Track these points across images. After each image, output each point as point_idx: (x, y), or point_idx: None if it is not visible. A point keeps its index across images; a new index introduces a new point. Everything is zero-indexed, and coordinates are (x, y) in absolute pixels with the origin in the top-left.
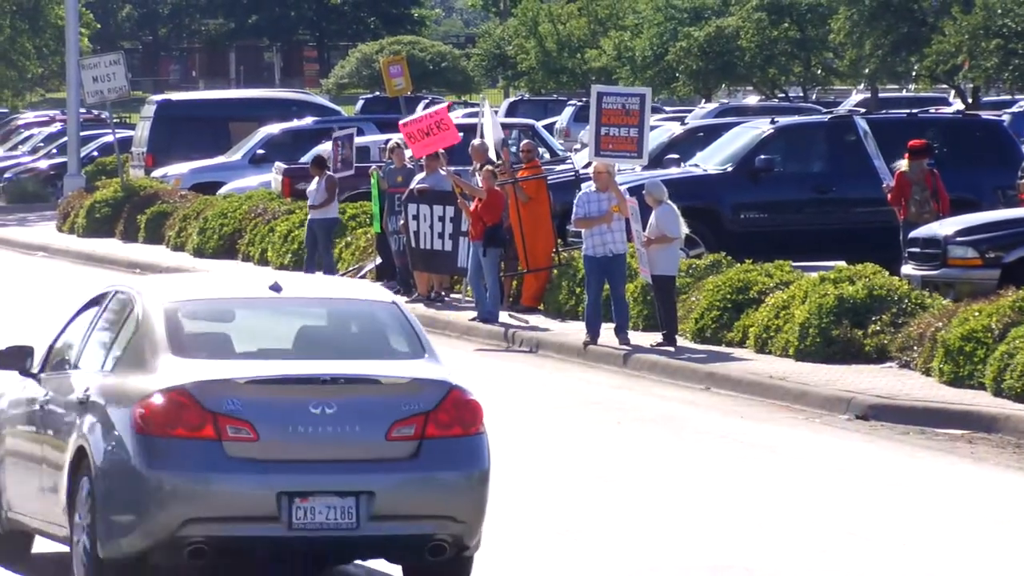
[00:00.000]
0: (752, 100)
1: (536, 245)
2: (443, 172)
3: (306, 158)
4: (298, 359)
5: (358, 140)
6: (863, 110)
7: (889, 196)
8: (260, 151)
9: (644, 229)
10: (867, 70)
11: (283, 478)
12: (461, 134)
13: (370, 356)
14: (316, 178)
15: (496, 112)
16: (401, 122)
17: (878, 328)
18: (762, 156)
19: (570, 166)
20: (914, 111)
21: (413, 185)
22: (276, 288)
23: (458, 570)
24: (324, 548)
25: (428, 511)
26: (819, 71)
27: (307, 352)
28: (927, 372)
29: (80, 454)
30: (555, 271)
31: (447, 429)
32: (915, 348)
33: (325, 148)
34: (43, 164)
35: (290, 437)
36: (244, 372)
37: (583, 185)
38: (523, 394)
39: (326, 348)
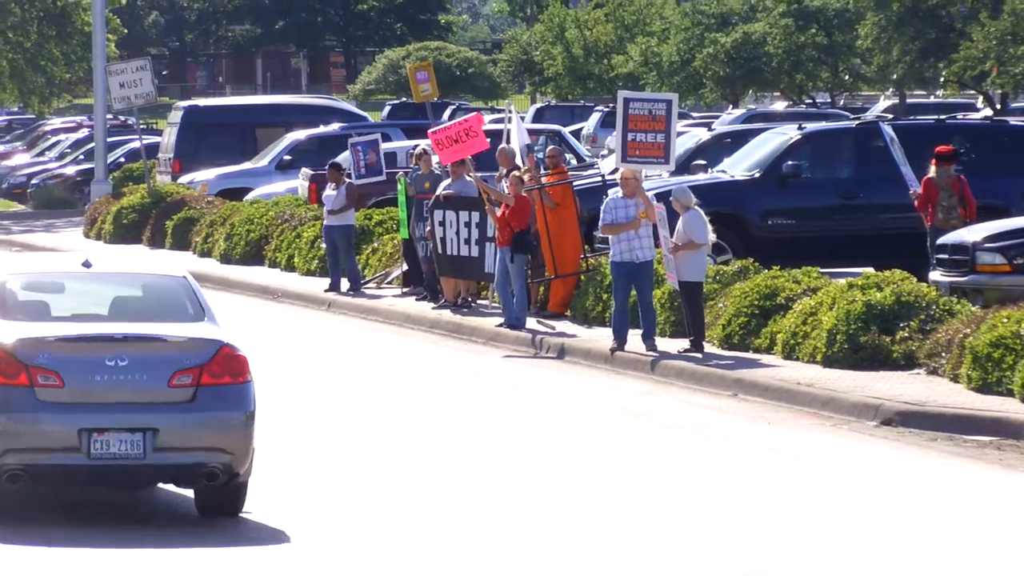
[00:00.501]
0: (779, 106)
1: (563, 251)
2: (469, 178)
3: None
4: (100, 322)
5: (385, 146)
6: (891, 116)
7: (916, 202)
8: (287, 157)
9: (671, 235)
10: (895, 76)
11: (83, 417)
12: (489, 140)
13: (160, 319)
14: (333, 184)
15: (523, 118)
16: (431, 129)
17: (906, 335)
18: (789, 162)
19: (597, 171)
20: (942, 117)
21: (440, 191)
22: (87, 264)
23: (233, 493)
24: (119, 474)
25: (203, 444)
26: (846, 77)
27: (110, 316)
28: (955, 379)
29: None
30: (582, 277)
31: (219, 378)
32: (943, 355)
33: (347, 154)
34: (70, 170)
35: (90, 385)
36: (54, 332)
37: (610, 191)
38: (549, 400)
39: (126, 313)
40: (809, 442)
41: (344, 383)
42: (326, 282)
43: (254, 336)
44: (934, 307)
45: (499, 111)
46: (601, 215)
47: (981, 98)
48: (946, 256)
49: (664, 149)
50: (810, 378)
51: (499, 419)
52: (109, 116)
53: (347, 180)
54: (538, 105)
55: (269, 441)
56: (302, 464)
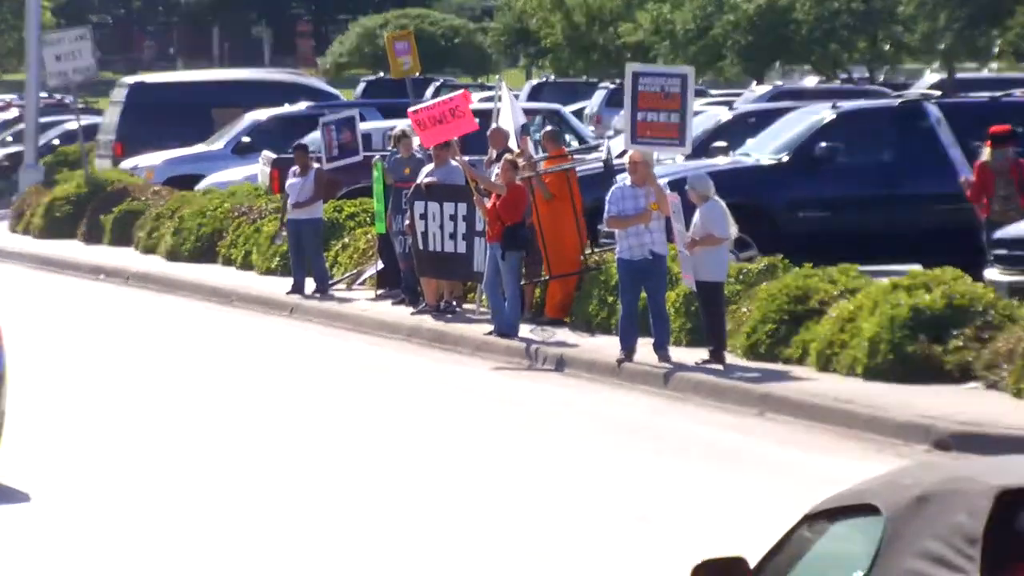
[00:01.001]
0: (810, 82)
1: (562, 248)
2: (455, 163)
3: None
4: None
5: (359, 127)
6: (938, 93)
7: (968, 191)
8: (245, 139)
9: (687, 229)
10: (942, 46)
11: None
12: (478, 120)
13: None
14: (299, 170)
15: (516, 95)
16: (411, 109)
17: (960, 343)
18: (822, 145)
19: (604, 154)
20: (996, 94)
21: (421, 178)
22: None
23: None
24: None
25: None
26: (887, 48)
27: None
28: (1018, 394)
29: None
30: (584, 277)
31: None
32: (1003, 366)
33: (315, 136)
34: None
35: None
36: None
37: (616, 178)
38: (548, 420)
39: None
40: (849, 469)
41: (305, 402)
42: (289, 283)
43: (201, 348)
44: (992, 311)
45: (490, 88)
46: (606, 206)
47: None
48: (1005, 252)
49: (679, 130)
50: (849, 394)
51: (489, 442)
52: (43, 94)
53: (315, 166)
54: (534, 81)
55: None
56: (243, 507)
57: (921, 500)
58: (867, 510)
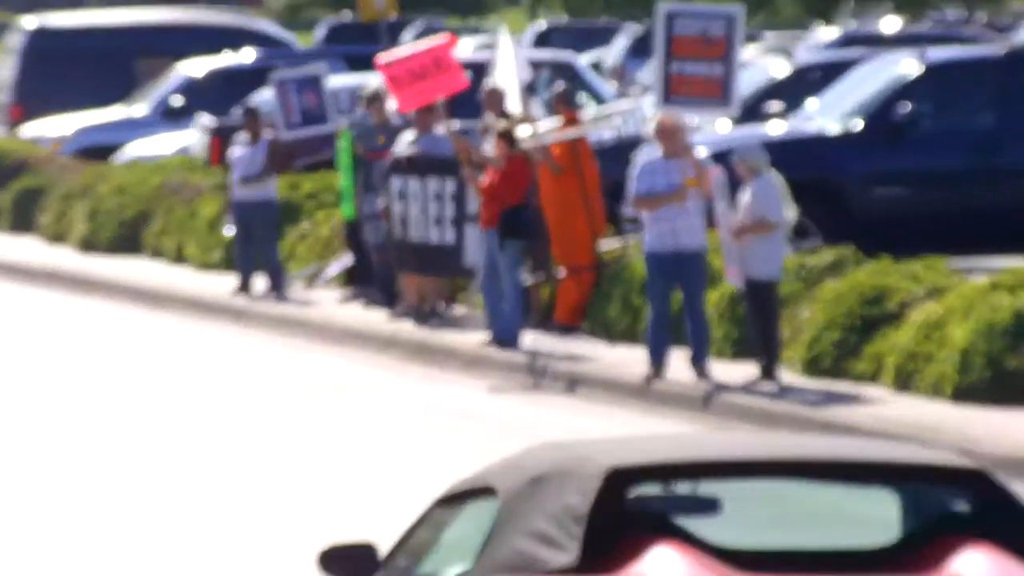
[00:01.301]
0: (891, 24)
1: (573, 236)
2: (441, 131)
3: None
4: None
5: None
6: None
7: None
8: (177, 100)
9: (735, 212)
10: None
11: None
12: (468, 75)
13: None
14: (248, 138)
15: (519, 44)
16: (382, 60)
17: None
18: (906, 106)
19: (625, 118)
20: None
21: (399, 150)
22: None
23: None
24: None
25: None
26: None
27: None
28: None
29: None
30: (602, 273)
31: None
32: None
33: (264, 96)
34: None
35: None
36: None
37: (643, 148)
38: None
39: None
40: None
41: (248, 439)
42: (233, 281)
43: (118, 365)
44: None
45: (485, 33)
46: (631, 183)
47: None
48: None
49: (723, 86)
50: (935, 419)
51: None
52: None
53: (268, 136)
54: (540, 24)
55: None
56: None
57: (535, 481)
58: (488, 492)
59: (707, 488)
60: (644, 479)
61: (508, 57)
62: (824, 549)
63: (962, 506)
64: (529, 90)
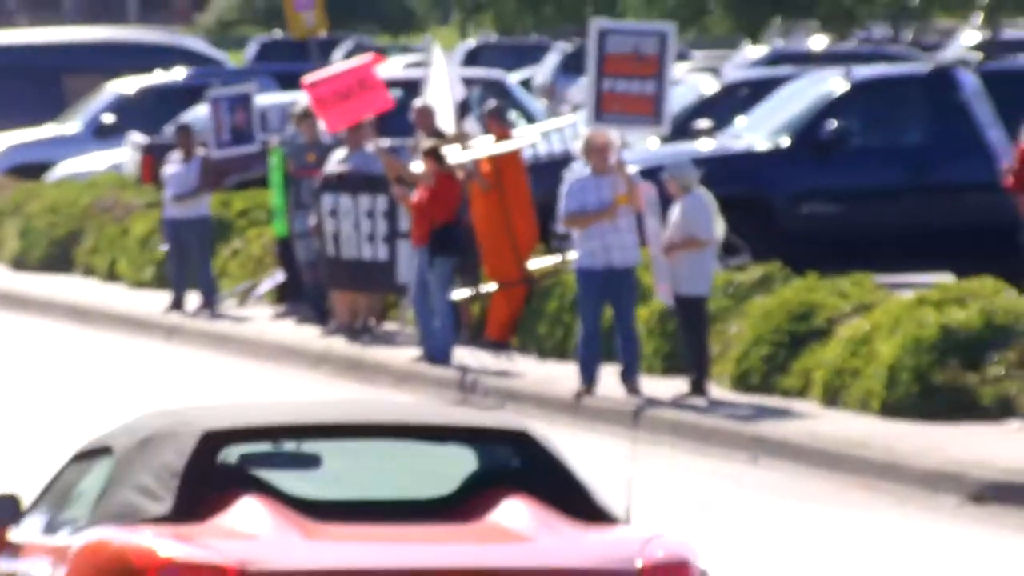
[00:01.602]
0: (818, 42)
1: (502, 252)
2: (371, 148)
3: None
4: None
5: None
6: (977, 57)
7: (1011, 178)
8: (108, 118)
9: (665, 228)
10: None
11: None
12: (398, 93)
13: None
14: (182, 155)
15: (451, 61)
16: (307, 80)
17: (1001, 371)
18: (832, 123)
19: (567, 127)
20: None
21: (330, 168)
22: None
23: None
24: None
25: None
26: (915, 0)
27: None
28: None
29: None
30: (533, 290)
31: None
32: None
33: (198, 114)
34: None
35: None
36: None
37: (573, 165)
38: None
39: None
40: (862, 528)
41: None
42: (166, 298)
43: (47, 382)
44: None
45: (415, 51)
46: (562, 200)
47: None
48: None
49: (655, 103)
50: (863, 434)
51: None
52: None
53: (201, 152)
54: (470, 42)
55: None
56: None
57: (144, 442)
58: (107, 451)
59: (312, 447)
60: (235, 440)
61: (441, 73)
62: (389, 499)
63: (513, 462)
64: (463, 107)
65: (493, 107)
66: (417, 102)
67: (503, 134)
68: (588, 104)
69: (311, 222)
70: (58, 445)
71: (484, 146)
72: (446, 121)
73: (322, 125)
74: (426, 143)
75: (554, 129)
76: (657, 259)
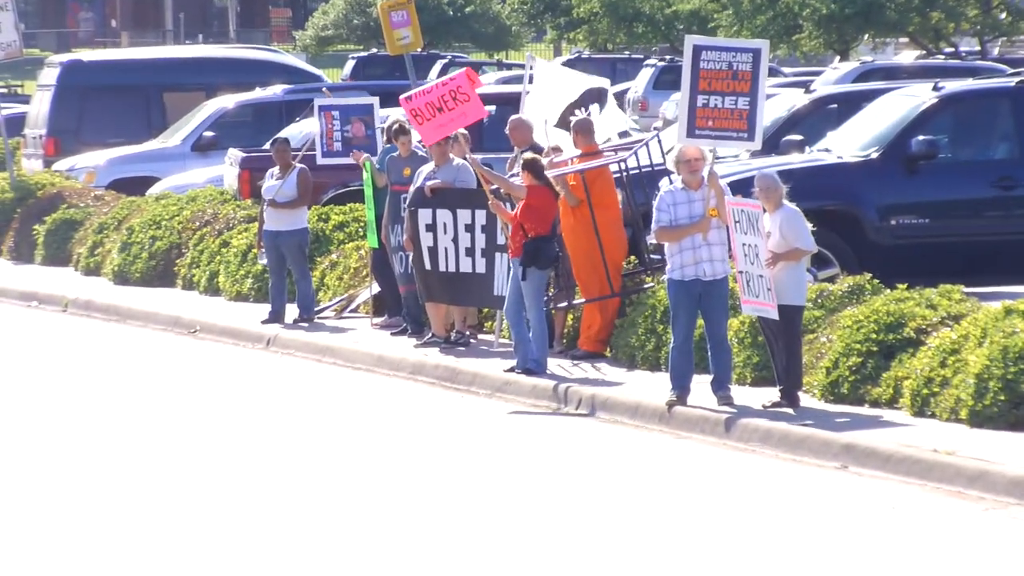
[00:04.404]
0: (907, 57)
1: (592, 266)
2: (461, 161)
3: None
4: None
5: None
6: None
7: None
8: (208, 133)
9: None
10: None
11: None
12: (492, 108)
13: None
14: (280, 169)
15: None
16: (403, 96)
17: None
18: (921, 137)
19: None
20: None
21: (421, 181)
22: None
23: None
24: None
25: None
26: (1002, 15)
27: None
28: None
29: None
30: (626, 302)
31: None
32: None
33: (296, 129)
34: None
35: None
36: None
37: (665, 180)
38: (576, 482)
39: None
40: (953, 535)
41: (276, 457)
42: (265, 310)
43: (152, 389)
44: None
45: (509, 67)
46: (654, 214)
47: None
48: None
49: (749, 118)
50: (951, 443)
51: (498, 517)
52: None
53: (299, 165)
54: (565, 58)
55: None
56: None
57: None
58: None
59: None
60: None
61: (551, 82)
62: None
63: None
64: (596, 95)
65: (581, 121)
66: (516, 117)
67: (590, 148)
68: (682, 119)
69: (404, 236)
70: (163, 449)
71: (577, 160)
72: (545, 128)
73: (415, 138)
74: (526, 156)
75: (638, 144)
76: (743, 272)
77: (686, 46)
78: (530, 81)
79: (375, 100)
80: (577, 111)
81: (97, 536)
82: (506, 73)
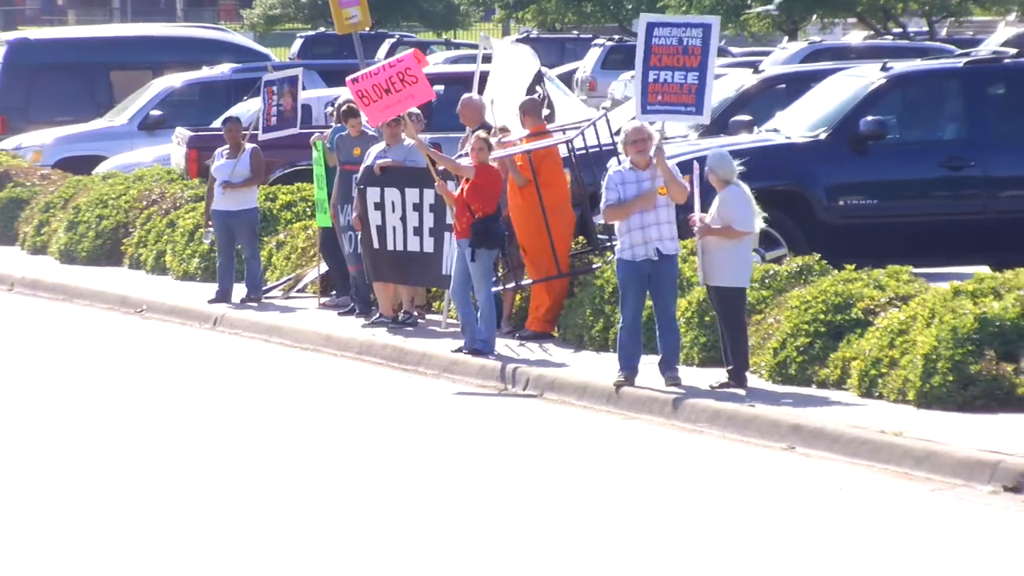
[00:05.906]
0: (855, 38)
1: (540, 246)
2: (410, 141)
3: (220, 122)
4: None
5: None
6: (1013, 51)
7: None
8: (155, 112)
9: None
10: None
11: None
12: (440, 88)
13: None
14: (230, 148)
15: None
16: (349, 78)
17: None
18: (869, 118)
19: (597, 118)
20: None
21: (370, 160)
22: None
23: None
24: None
25: None
26: None
27: None
28: None
29: None
30: (573, 282)
31: None
32: None
33: (244, 108)
34: None
35: None
36: None
37: (613, 160)
38: (521, 462)
39: None
40: (898, 515)
41: (220, 438)
42: (212, 290)
43: (98, 368)
44: None
45: (457, 46)
46: (603, 193)
47: None
48: None
49: (697, 93)
50: (899, 424)
51: (441, 495)
52: None
53: (250, 145)
54: (513, 38)
55: None
56: None
57: None
58: None
59: None
60: None
61: (507, 61)
62: None
63: None
64: (539, 95)
65: (528, 101)
66: (467, 96)
67: (538, 128)
68: (636, 95)
69: (354, 215)
70: (110, 429)
71: (524, 141)
72: (497, 112)
73: (363, 118)
74: (479, 135)
75: (585, 124)
76: (699, 245)
77: (640, 23)
78: (485, 61)
79: (300, 70)
80: (536, 91)
81: (26, 524)
82: (455, 52)
